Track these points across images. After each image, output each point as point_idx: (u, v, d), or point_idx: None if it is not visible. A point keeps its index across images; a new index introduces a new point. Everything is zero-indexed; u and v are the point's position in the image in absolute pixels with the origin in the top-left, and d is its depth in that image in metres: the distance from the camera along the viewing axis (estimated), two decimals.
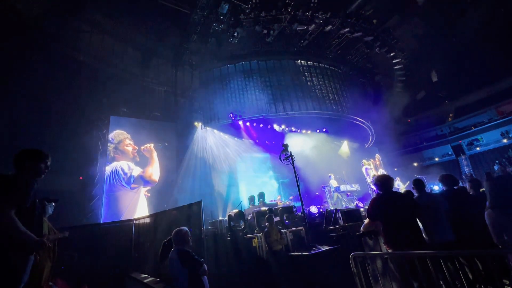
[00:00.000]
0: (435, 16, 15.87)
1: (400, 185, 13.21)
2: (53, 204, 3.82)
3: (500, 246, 2.62)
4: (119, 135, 10.67)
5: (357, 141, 18.49)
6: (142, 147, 11.04)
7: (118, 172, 10.21)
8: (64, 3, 10.07)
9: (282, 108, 12.47)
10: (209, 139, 13.10)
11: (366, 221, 3.46)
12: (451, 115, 22.91)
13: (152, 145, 11.26)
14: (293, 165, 7.03)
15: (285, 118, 13.44)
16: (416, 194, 3.96)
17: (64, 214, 4.25)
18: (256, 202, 10.36)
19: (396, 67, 15.75)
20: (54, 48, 9.95)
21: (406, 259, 2.82)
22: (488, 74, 18.90)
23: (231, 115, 12.16)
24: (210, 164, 12.44)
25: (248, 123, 13.65)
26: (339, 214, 6.36)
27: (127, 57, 12.19)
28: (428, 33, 16.91)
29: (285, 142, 7.66)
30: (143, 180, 10.62)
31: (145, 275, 4.85)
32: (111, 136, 10.41)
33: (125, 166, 10.42)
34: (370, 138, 17.73)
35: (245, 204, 10.96)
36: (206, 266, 3.11)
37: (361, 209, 7.80)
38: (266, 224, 5.82)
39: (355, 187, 12.96)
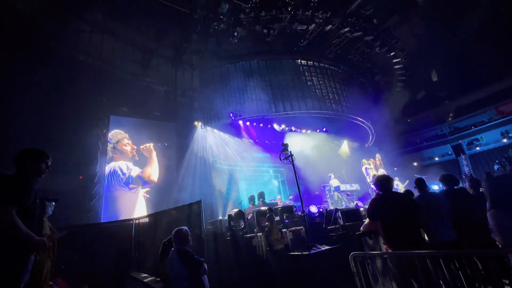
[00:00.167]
0: (435, 16, 15.87)
1: (399, 185, 13.22)
2: (53, 203, 3.83)
3: (500, 246, 2.63)
4: (117, 135, 10.66)
5: (357, 141, 18.51)
6: (142, 147, 11.02)
7: (117, 172, 10.19)
8: (64, 3, 10.06)
9: (282, 107, 12.48)
10: (209, 138, 13.10)
11: (366, 221, 3.47)
12: (451, 114, 22.91)
13: (151, 145, 11.25)
14: (293, 165, 7.03)
15: (285, 118, 13.44)
16: (417, 194, 3.97)
17: (64, 214, 4.25)
18: (256, 202, 10.37)
19: (396, 66, 15.75)
20: (54, 47, 9.93)
21: (406, 259, 2.82)
22: (488, 74, 18.89)
23: (231, 114, 12.17)
24: (210, 164, 12.45)
25: (248, 123, 13.66)
26: (339, 213, 6.36)
27: (127, 57, 12.17)
28: (428, 33, 16.91)
29: (285, 142, 7.66)
30: (142, 181, 10.61)
31: (145, 275, 4.85)
32: (109, 136, 10.40)
33: (124, 166, 10.41)
34: (370, 137, 17.74)
35: (245, 203, 10.97)
36: (206, 266, 3.11)
37: (361, 209, 7.81)
38: (267, 223, 5.82)
39: (355, 186, 12.97)
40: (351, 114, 14.27)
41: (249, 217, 7.78)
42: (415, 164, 22.22)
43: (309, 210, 9.44)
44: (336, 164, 15.80)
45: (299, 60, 14.05)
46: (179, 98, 13.52)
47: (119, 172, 10.23)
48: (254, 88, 12.61)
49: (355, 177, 15.53)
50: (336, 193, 12.33)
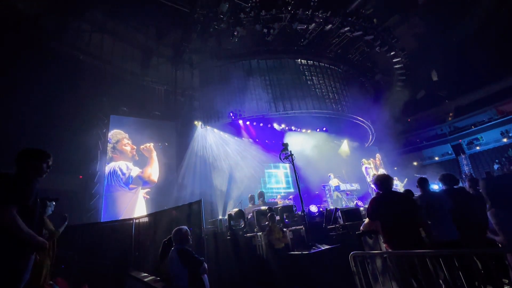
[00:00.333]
0: (435, 15, 15.87)
1: (398, 185, 13.23)
2: (53, 203, 3.84)
3: (500, 245, 2.63)
4: (117, 135, 10.66)
5: (357, 140, 18.50)
6: (142, 146, 11.02)
7: (117, 172, 10.19)
8: (64, 2, 10.05)
9: (282, 107, 12.48)
10: (209, 138, 13.09)
11: (366, 220, 3.47)
12: (451, 114, 22.89)
13: (151, 144, 11.25)
14: (293, 164, 7.03)
15: (285, 117, 13.44)
16: (419, 193, 3.97)
17: (64, 213, 4.26)
18: (256, 201, 10.37)
19: (396, 66, 15.75)
20: (54, 47, 9.93)
21: (405, 258, 2.83)
22: (488, 73, 18.87)
23: (231, 114, 12.16)
24: (210, 163, 12.44)
25: (248, 122, 13.65)
26: (339, 213, 6.36)
27: (127, 56, 12.17)
28: (428, 32, 16.91)
29: (285, 141, 7.65)
30: (142, 181, 10.60)
31: (145, 274, 4.85)
32: (109, 135, 10.40)
33: (124, 166, 10.41)
34: (370, 137, 17.74)
35: (245, 203, 10.97)
36: (206, 265, 3.11)
37: (361, 208, 7.81)
38: (267, 223, 5.82)
39: (355, 186, 12.98)
40: (351, 114, 14.27)
41: (249, 217, 7.79)
42: (415, 163, 22.22)
43: (309, 209, 9.45)
44: (336, 163, 15.79)
45: (299, 60, 14.05)
46: (179, 97, 13.51)
47: (119, 172, 10.23)
48: (254, 88, 12.61)
49: (355, 177, 15.54)
50: (335, 193, 12.34)
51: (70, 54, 10.37)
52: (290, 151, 7.27)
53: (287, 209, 8.09)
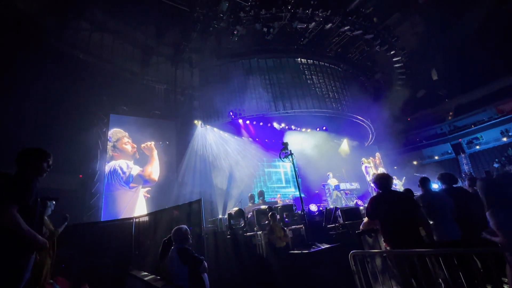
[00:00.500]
0: (436, 14, 15.85)
1: (397, 184, 13.24)
2: (53, 202, 3.84)
3: (499, 245, 2.64)
4: (117, 134, 10.65)
5: (357, 140, 18.51)
6: (143, 145, 11.03)
7: (117, 171, 10.19)
8: (64, 2, 10.03)
9: (282, 106, 12.48)
10: (209, 137, 13.09)
11: (366, 219, 3.47)
12: (451, 113, 22.90)
13: (152, 143, 11.26)
14: (293, 164, 7.03)
15: (285, 117, 13.44)
16: (420, 192, 3.98)
17: (64, 213, 4.27)
18: (256, 201, 10.38)
19: (396, 65, 15.75)
20: (54, 46, 9.92)
21: (405, 258, 2.83)
22: (488, 72, 18.87)
23: (231, 113, 12.16)
24: (210, 162, 12.45)
25: (248, 121, 13.65)
26: (339, 212, 6.37)
27: (127, 55, 12.15)
28: (429, 31, 16.89)
29: (285, 141, 7.65)
30: (142, 179, 10.61)
31: (145, 273, 4.86)
32: (109, 134, 10.39)
33: (124, 165, 10.41)
34: (370, 136, 17.74)
35: (245, 202, 10.98)
36: (206, 264, 3.12)
37: (361, 208, 7.82)
38: (267, 222, 5.83)
39: (355, 185, 12.99)
40: (351, 113, 14.27)
41: (249, 216, 7.79)
42: (414, 162, 22.24)
43: (308, 208, 9.47)
44: (336, 162, 15.80)
45: (299, 59, 14.03)
46: (179, 96, 13.50)
47: (119, 171, 10.23)
48: (254, 87, 12.60)
49: (355, 176, 15.55)
50: (335, 192, 12.35)
51: (70, 53, 10.36)
52: (290, 150, 7.27)
53: (287, 208, 8.10)
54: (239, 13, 10.84)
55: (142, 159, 10.87)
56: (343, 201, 11.98)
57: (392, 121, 18.63)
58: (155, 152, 11.21)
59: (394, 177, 13.03)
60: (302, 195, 6.98)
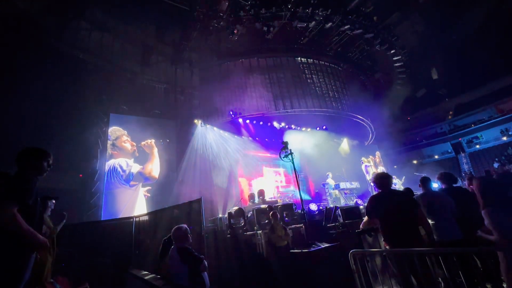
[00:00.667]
0: (436, 13, 15.82)
1: (397, 183, 13.24)
2: (53, 201, 3.85)
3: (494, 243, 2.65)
4: (116, 132, 10.65)
5: (357, 139, 18.51)
6: (143, 143, 11.04)
7: (117, 169, 10.19)
8: (64, 1, 10.01)
9: (282, 105, 12.48)
10: (209, 136, 13.10)
11: (365, 218, 3.48)
12: (451, 112, 22.89)
13: (153, 141, 11.27)
14: (292, 163, 7.04)
15: (285, 116, 13.44)
16: (421, 191, 3.98)
17: (63, 211, 4.28)
18: (256, 200, 10.38)
19: (396, 64, 15.73)
20: (54, 46, 9.91)
21: (405, 257, 2.84)
22: (488, 71, 18.85)
23: (231, 112, 12.16)
24: (210, 162, 12.46)
25: (248, 121, 13.65)
26: (339, 211, 6.38)
27: (126, 55, 12.13)
28: (429, 31, 16.87)
29: (285, 140, 7.65)
30: (143, 177, 10.61)
31: (146, 272, 4.87)
32: (107, 132, 10.41)
33: (124, 163, 10.41)
34: (370, 135, 17.75)
35: (245, 201, 10.99)
36: (206, 263, 3.12)
37: (361, 207, 7.82)
38: (267, 221, 5.83)
39: (355, 184, 12.99)
40: (351, 112, 14.28)
41: (249, 215, 7.80)
42: (414, 162, 22.23)
43: (308, 208, 9.48)
44: (336, 162, 15.80)
45: (299, 58, 14.03)
46: (178, 96, 13.50)
47: (119, 169, 10.23)
48: (254, 86, 12.59)
49: (355, 175, 15.56)
50: (335, 191, 12.36)
51: (70, 52, 10.35)
52: (290, 150, 7.28)
53: (287, 207, 8.10)
54: (239, 12, 10.83)
55: (142, 158, 10.88)
56: (342, 201, 11.99)
57: (392, 120, 18.64)
58: (155, 150, 11.21)
59: (394, 176, 13.06)
60: (303, 195, 6.98)
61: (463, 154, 20.81)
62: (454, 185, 4.01)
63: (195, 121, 12.83)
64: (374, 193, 3.68)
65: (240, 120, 13.27)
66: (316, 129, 15.71)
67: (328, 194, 12.84)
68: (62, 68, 9.56)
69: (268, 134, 15.24)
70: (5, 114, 7.75)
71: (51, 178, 6.12)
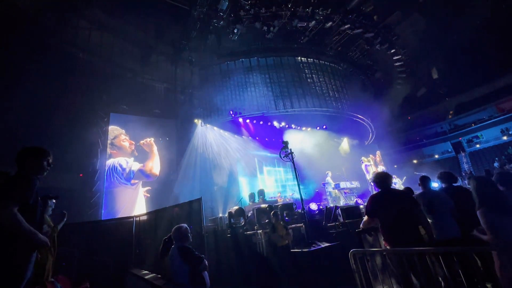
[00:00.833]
0: (436, 12, 15.79)
1: (397, 182, 13.22)
2: (53, 201, 3.84)
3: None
4: (114, 131, 10.66)
5: (357, 138, 18.50)
6: (142, 141, 11.05)
7: (116, 168, 10.20)
8: (63, 0, 10.00)
9: (282, 105, 12.48)
10: (209, 136, 13.10)
11: (365, 218, 3.48)
12: (451, 112, 22.87)
13: (152, 139, 11.28)
14: (293, 162, 7.04)
15: (285, 115, 13.44)
16: (420, 191, 3.98)
17: (63, 210, 4.29)
18: (256, 199, 10.39)
19: (396, 63, 15.72)
20: (53, 45, 9.91)
21: (405, 256, 2.84)
22: (488, 71, 18.84)
23: (231, 112, 12.16)
24: (210, 161, 12.46)
25: (248, 120, 13.65)
26: (339, 211, 6.38)
27: (126, 54, 12.13)
28: (429, 30, 16.83)
29: (285, 139, 7.65)
30: (144, 175, 10.62)
31: (146, 272, 4.88)
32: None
33: (123, 161, 10.42)
34: (370, 135, 17.74)
35: (245, 201, 10.99)
36: (206, 262, 3.13)
37: (361, 206, 7.82)
38: (267, 220, 5.83)
39: (355, 184, 12.98)
40: (351, 112, 14.27)
41: (249, 215, 7.80)
42: (414, 161, 22.23)
43: (309, 207, 9.48)
44: (336, 161, 15.80)
45: (299, 57, 14.02)
46: (178, 95, 13.50)
47: (119, 168, 10.24)
48: (254, 86, 12.59)
49: (356, 174, 15.54)
50: (334, 191, 12.35)
51: (69, 52, 10.35)
52: (290, 149, 7.28)
53: (287, 207, 8.10)
54: (239, 11, 10.82)
55: (141, 157, 10.88)
56: (341, 200, 11.98)
57: (392, 119, 18.62)
58: (155, 148, 11.23)
59: (394, 176, 13.05)
60: (303, 195, 6.98)
61: (463, 154, 20.80)
62: (454, 184, 4.01)
63: (195, 120, 12.83)
64: (374, 192, 3.68)
65: (240, 119, 13.27)
66: (316, 128, 15.71)
67: (328, 193, 12.84)
68: (61, 67, 9.56)
69: (268, 134, 15.24)
70: (5, 113, 7.76)
71: (51, 178, 6.13)
